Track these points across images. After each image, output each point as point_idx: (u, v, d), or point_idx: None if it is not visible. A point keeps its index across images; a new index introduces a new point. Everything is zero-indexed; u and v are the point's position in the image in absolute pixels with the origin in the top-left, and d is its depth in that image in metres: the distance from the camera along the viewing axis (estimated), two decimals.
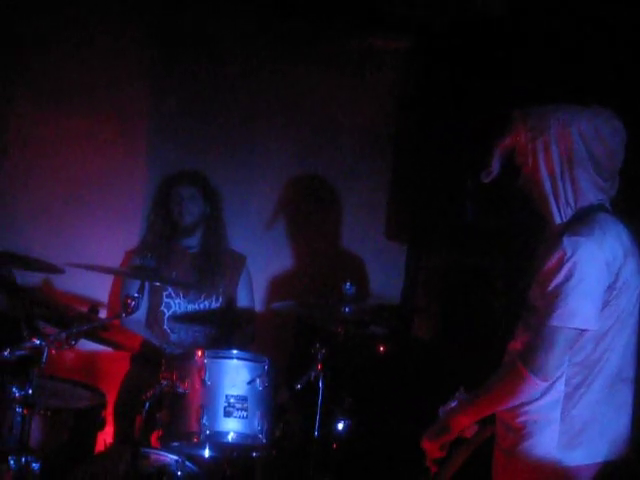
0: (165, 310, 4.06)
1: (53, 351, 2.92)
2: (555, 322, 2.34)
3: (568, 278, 2.33)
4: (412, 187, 4.44)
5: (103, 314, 3.99)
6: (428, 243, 4.49)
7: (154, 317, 4.06)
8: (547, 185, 2.47)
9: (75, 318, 3.18)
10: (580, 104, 2.49)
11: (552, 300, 2.35)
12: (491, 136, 2.62)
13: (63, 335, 3.02)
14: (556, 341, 2.34)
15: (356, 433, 3.43)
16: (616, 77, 3.43)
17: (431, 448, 2.61)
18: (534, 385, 2.37)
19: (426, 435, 2.62)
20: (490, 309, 4.10)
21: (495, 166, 2.58)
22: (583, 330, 2.36)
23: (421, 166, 4.39)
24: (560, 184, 2.46)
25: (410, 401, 3.85)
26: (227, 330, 4.07)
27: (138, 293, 3.06)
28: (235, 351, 3.20)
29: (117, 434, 3.73)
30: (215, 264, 4.11)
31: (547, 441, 2.45)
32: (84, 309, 3.36)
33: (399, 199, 4.50)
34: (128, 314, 3.04)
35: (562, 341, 2.35)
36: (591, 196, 2.46)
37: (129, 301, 3.02)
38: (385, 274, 4.63)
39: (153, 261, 3.32)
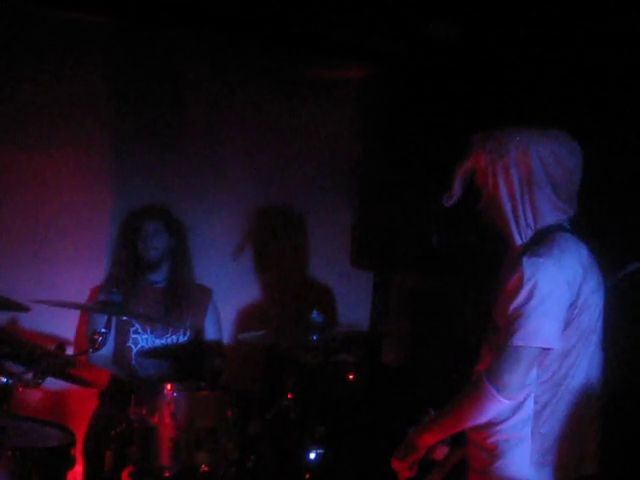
0: (132, 346, 4.03)
1: (20, 390, 2.89)
2: (518, 342, 2.37)
3: (529, 299, 2.36)
4: (376, 213, 4.48)
5: (70, 351, 3.95)
6: (394, 268, 4.52)
7: (122, 353, 4.02)
8: (507, 207, 2.52)
9: (42, 356, 3.14)
10: (538, 126, 2.54)
11: (514, 320, 2.38)
12: (453, 159, 2.66)
13: (30, 373, 2.99)
14: (520, 360, 2.37)
15: (328, 462, 3.42)
16: (573, 99, 3.50)
17: (400, 467, 2.62)
18: (499, 403, 2.40)
19: (394, 455, 2.63)
20: (457, 331, 4.12)
21: (457, 190, 2.62)
22: (546, 349, 2.40)
23: (385, 191, 4.44)
24: (520, 206, 2.51)
25: (381, 427, 3.85)
26: (196, 364, 4.05)
27: (105, 328, 3.04)
28: (204, 384, 3.19)
29: (87, 472, 3.67)
30: (182, 298, 4.09)
31: (519, 459, 2.48)
32: (51, 347, 3.32)
33: (364, 225, 4.54)
34: (95, 350, 3.02)
35: (525, 360, 2.38)
36: (550, 217, 2.51)
37: (96, 337, 3.00)
38: (353, 301, 4.65)
39: (119, 296, 3.30)
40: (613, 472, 2.57)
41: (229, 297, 4.40)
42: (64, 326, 4.16)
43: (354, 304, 4.64)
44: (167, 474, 3.02)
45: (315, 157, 4.59)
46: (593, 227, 2.68)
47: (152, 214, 4.11)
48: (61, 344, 3.21)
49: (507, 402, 2.40)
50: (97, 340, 3.00)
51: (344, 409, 4.00)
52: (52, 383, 3.79)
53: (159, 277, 4.12)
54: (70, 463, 3.37)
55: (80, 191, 4.31)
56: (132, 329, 4.03)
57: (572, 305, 2.42)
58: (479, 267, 3.74)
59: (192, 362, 4.06)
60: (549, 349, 2.40)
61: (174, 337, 4.08)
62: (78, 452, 3.55)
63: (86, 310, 3.66)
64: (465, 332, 3.99)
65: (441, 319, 4.28)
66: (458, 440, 2.65)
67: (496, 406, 2.41)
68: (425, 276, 4.38)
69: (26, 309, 3.17)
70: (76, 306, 3.43)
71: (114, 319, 3.89)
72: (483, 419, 2.46)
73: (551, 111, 3.45)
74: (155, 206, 4.18)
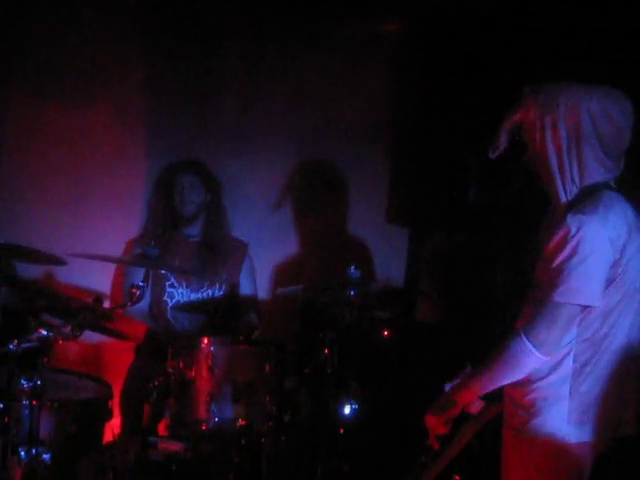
0: (168, 300, 4.05)
1: (59, 343, 2.91)
2: (558, 298, 2.34)
3: (572, 255, 2.33)
4: (413, 169, 4.44)
5: (107, 305, 3.98)
6: (430, 225, 4.48)
7: (157, 307, 4.05)
8: (553, 162, 2.47)
9: (79, 309, 3.16)
10: (589, 84, 2.48)
11: (556, 276, 2.35)
12: (492, 114, 2.61)
13: (68, 326, 3.01)
14: (559, 317, 2.35)
15: (362, 417, 3.43)
16: (618, 61, 3.41)
17: (435, 423, 2.60)
18: (536, 359, 2.38)
19: (430, 410, 2.61)
20: (493, 289, 4.09)
21: (503, 142, 2.58)
22: (586, 307, 2.37)
23: (422, 148, 4.38)
24: (566, 161, 2.46)
25: (415, 384, 3.85)
26: (231, 318, 4.06)
27: (143, 282, 3.05)
28: (241, 338, 3.20)
29: (124, 424, 3.72)
30: (217, 252, 4.10)
31: (556, 418, 2.45)
32: (88, 300, 3.34)
33: (400, 182, 4.50)
34: (133, 303, 3.03)
35: (565, 317, 2.36)
36: (596, 174, 2.46)
37: (134, 290, 3.01)
38: (389, 258, 4.63)
39: (156, 249, 3.30)
40: None
41: (265, 252, 4.41)
42: (101, 280, 4.22)
43: (390, 260, 4.62)
44: (204, 427, 3.05)
45: (352, 113, 4.53)
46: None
47: (188, 168, 4.11)
48: (98, 297, 3.23)
49: (544, 358, 2.37)
50: (135, 293, 3.00)
51: (378, 365, 4.00)
52: (89, 336, 3.83)
53: (195, 231, 4.13)
54: (107, 415, 3.43)
55: (117, 147, 4.33)
56: (168, 283, 4.04)
57: (615, 264, 2.38)
58: (515, 226, 3.71)
59: (227, 316, 4.06)
60: (590, 307, 2.37)
61: (209, 291, 4.09)
62: (115, 405, 3.62)
63: (123, 263, 3.68)
64: (499, 290, 3.96)
65: (476, 276, 4.25)
66: (494, 395, 2.63)
67: (533, 362, 2.38)
68: (461, 233, 4.34)
69: (63, 262, 3.18)
70: (113, 259, 3.45)
71: (151, 273, 3.92)
72: (520, 375, 2.44)
73: (597, 70, 3.37)
74: (191, 160, 4.18)
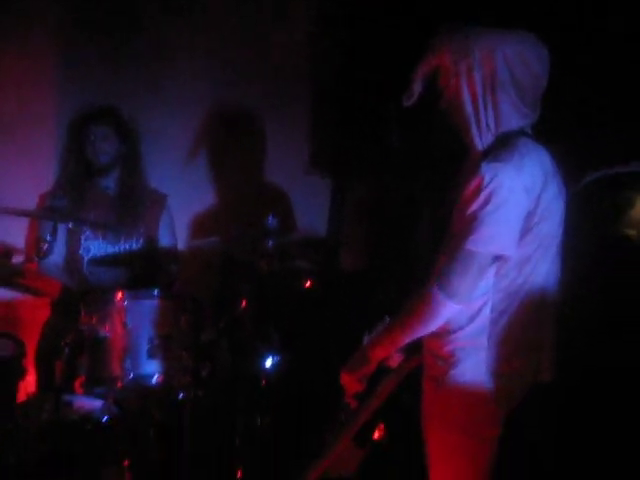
0: (84, 254, 3.93)
1: None
2: (470, 246, 2.31)
3: (486, 203, 2.30)
4: (334, 115, 4.36)
5: (19, 260, 3.85)
6: (352, 172, 4.43)
7: (73, 261, 3.93)
8: (468, 109, 2.43)
9: None
10: (506, 28, 2.43)
11: (469, 225, 2.32)
12: (414, 59, 2.55)
13: None
14: (471, 265, 2.32)
15: (284, 369, 3.40)
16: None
17: (349, 381, 2.57)
18: (449, 309, 2.35)
19: (344, 368, 2.57)
20: (416, 238, 4.07)
21: (417, 88, 2.52)
22: (499, 256, 2.35)
23: (343, 92, 4.30)
24: (482, 108, 2.42)
25: (338, 334, 3.82)
26: (149, 271, 3.97)
27: (50, 236, 2.93)
28: (156, 291, 3.11)
29: (39, 383, 3.63)
30: (134, 204, 3.98)
31: (476, 367, 2.44)
32: None
33: (321, 128, 4.42)
34: (41, 258, 2.93)
35: (476, 265, 2.33)
36: (512, 121, 2.43)
37: (41, 244, 2.90)
38: (311, 207, 4.56)
39: (64, 201, 3.19)
40: (570, 379, 2.56)
41: (184, 203, 4.29)
42: (13, 234, 4.06)
43: (312, 210, 4.56)
44: (119, 384, 2.97)
45: (273, 59, 4.42)
46: (556, 132, 2.61)
47: (100, 117, 3.95)
48: (7, 252, 3.13)
49: (457, 307, 2.35)
50: (42, 248, 2.90)
51: (301, 316, 3.97)
52: (3, 292, 3.73)
53: (110, 183, 4.00)
54: (20, 373, 3.34)
55: (26, 95, 4.16)
56: (83, 236, 3.92)
57: (531, 213, 2.36)
58: (439, 172, 3.67)
59: (146, 269, 3.97)
60: (501, 256, 2.35)
61: (127, 244, 3.98)
62: (30, 362, 3.52)
63: (28, 216, 3.53)
64: (424, 239, 3.95)
65: (400, 225, 4.22)
66: (413, 348, 2.61)
67: (447, 312, 2.36)
68: (383, 181, 4.30)
69: None
70: (19, 212, 3.31)
71: (64, 226, 3.80)
72: (434, 326, 2.42)
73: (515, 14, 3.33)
74: (104, 108, 4.00)
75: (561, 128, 2.84)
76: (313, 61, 4.47)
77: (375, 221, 4.42)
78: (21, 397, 3.37)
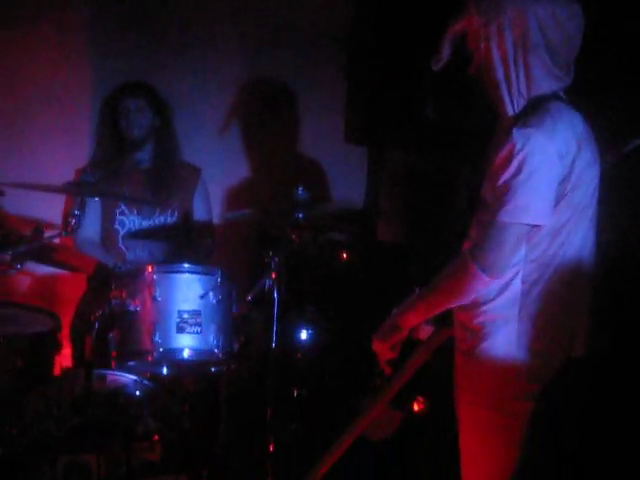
0: (119, 228, 3.95)
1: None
2: (505, 218, 2.23)
3: (518, 172, 2.21)
4: (370, 86, 4.30)
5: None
6: (389, 143, 4.36)
7: (108, 236, 3.95)
8: (499, 72, 2.34)
9: (18, 240, 3.06)
10: None
11: (501, 195, 2.24)
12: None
13: (6, 257, 2.92)
14: (506, 237, 2.24)
15: (319, 342, 3.37)
16: None
17: (382, 349, 2.53)
18: (483, 282, 2.28)
19: (375, 335, 2.53)
20: (456, 209, 4.01)
21: (445, 52, 2.44)
22: (534, 226, 2.26)
23: (379, 64, 4.24)
24: (513, 71, 2.33)
25: (376, 305, 3.78)
26: (185, 245, 3.98)
27: (79, 210, 2.93)
28: (186, 265, 3.10)
29: (74, 357, 3.67)
30: (168, 178, 3.98)
31: (506, 340, 2.37)
32: (27, 231, 3.24)
33: (357, 99, 4.36)
34: (69, 232, 2.92)
35: (512, 237, 2.24)
36: (545, 85, 2.33)
37: (69, 219, 2.90)
38: (348, 179, 4.53)
39: (93, 176, 3.19)
40: (605, 353, 2.48)
41: (219, 176, 4.31)
42: (51, 211, 4.09)
43: (349, 181, 4.53)
44: (150, 358, 2.97)
45: (306, 29, 4.39)
46: (593, 96, 2.52)
47: (134, 90, 3.95)
48: (38, 228, 3.13)
49: (492, 281, 2.28)
50: (70, 222, 2.89)
51: (338, 288, 3.93)
52: (41, 269, 3.77)
53: (144, 157, 4.00)
54: (56, 347, 3.38)
55: (60, 72, 4.18)
56: (118, 210, 3.94)
57: (564, 180, 2.27)
58: (476, 143, 3.59)
59: (182, 243, 3.98)
60: (537, 226, 2.27)
61: (162, 218, 3.98)
62: (65, 336, 3.55)
63: (57, 192, 3.54)
64: (462, 209, 3.88)
65: (438, 196, 4.16)
66: (444, 320, 2.56)
67: (480, 285, 2.29)
68: (420, 152, 4.23)
69: (1, 193, 3.05)
70: (47, 188, 3.32)
71: (99, 202, 3.81)
72: (467, 298, 2.36)
73: None
74: (137, 82, 4.01)
75: (597, 91, 2.74)
76: (350, 29, 4.40)
77: (412, 192, 4.36)
78: (57, 371, 3.42)
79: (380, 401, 2.69)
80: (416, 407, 3.59)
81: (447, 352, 2.64)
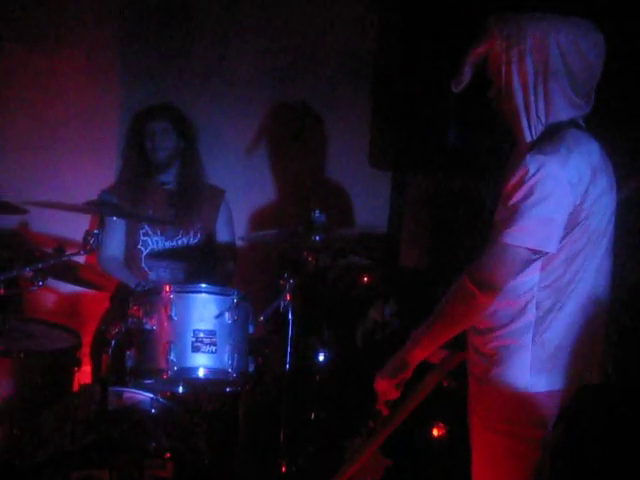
0: (142, 248, 3.99)
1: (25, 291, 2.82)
2: (507, 240, 2.23)
3: (527, 196, 2.21)
4: (394, 112, 4.29)
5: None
6: (413, 168, 4.36)
7: (131, 256, 4.00)
8: (519, 97, 2.34)
9: (40, 257, 3.11)
10: (559, 14, 2.34)
11: (509, 217, 2.24)
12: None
13: (28, 273, 2.96)
14: (505, 259, 2.24)
15: (336, 365, 3.37)
16: None
17: (386, 388, 2.49)
18: (480, 301, 2.27)
19: (380, 374, 2.49)
20: (478, 234, 3.99)
21: (466, 75, 2.44)
22: (538, 251, 2.26)
23: (403, 90, 4.24)
24: (532, 97, 2.33)
25: (394, 332, 3.78)
26: (207, 266, 4.00)
27: (98, 229, 2.97)
28: (203, 285, 3.12)
29: (93, 374, 3.70)
30: (192, 199, 4.02)
31: (519, 366, 2.36)
32: (49, 249, 3.29)
33: (381, 125, 4.36)
34: (88, 251, 2.96)
35: (511, 259, 2.24)
36: (563, 112, 2.33)
37: (89, 238, 2.94)
38: (371, 203, 4.53)
39: (113, 197, 3.24)
40: (618, 381, 2.46)
41: (243, 198, 4.34)
42: (75, 229, 4.14)
43: (373, 206, 4.53)
44: (165, 377, 2.98)
45: (331, 55, 4.41)
46: (612, 125, 2.51)
47: (160, 113, 4.00)
48: (60, 246, 3.17)
49: (489, 299, 2.26)
50: (89, 241, 2.93)
51: (357, 311, 3.93)
52: (65, 287, 3.82)
53: (169, 178, 4.04)
54: (76, 364, 3.41)
55: (88, 92, 4.25)
56: (142, 231, 3.98)
57: (577, 208, 2.26)
58: (498, 167, 3.59)
59: (204, 265, 4.01)
60: (540, 252, 2.26)
61: (185, 239, 4.02)
62: (85, 354, 3.59)
63: (78, 211, 3.59)
64: (485, 233, 3.85)
65: (460, 221, 4.14)
66: (458, 343, 2.54)
67: (480, 304, 2.28)
68: (444, 176, 4.22)
69: (23, 211, 3.11)
70: (68, 207, 3.37)
71: (125, 222, 3.86)
72: (470, 321, 2.36)
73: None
74: (162, 104, 4.07)
75: (616, 120, 2.73)
76: (374, 55, 4.43)
77: (435, 217, 4.35)
78: (75, 387, 3.45)
79: (372, 445, 2.64)
80: (436, 432, 3.57)
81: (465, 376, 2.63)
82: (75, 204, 3.30)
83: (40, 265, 2.95)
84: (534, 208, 2.21)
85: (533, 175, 2.21)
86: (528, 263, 2.28)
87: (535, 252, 2.25)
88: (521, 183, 2.23)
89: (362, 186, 4.49)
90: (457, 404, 2.77)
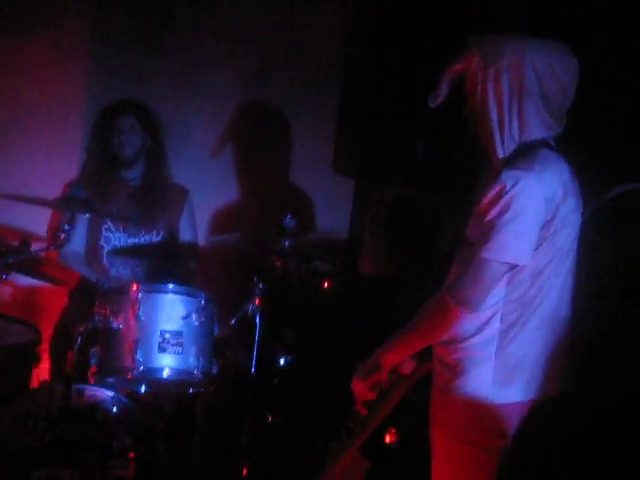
0: (104, 244, 3.97)
1: None
2: (486, 254, 2.29)
3: (504, 211, 2.27)
4: (361, 120, 4.33)
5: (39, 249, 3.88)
6: (376, 177, 4.40)
7: (93, 251, 3.97)
8: (493, 115, 2.40)
9: (5, 251, 3.08)
10: (537, 37, 2.41)
11: (486, 232, 2.30)
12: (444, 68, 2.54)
13: None
14: (484, 274, 2.30)
15: (297, 369, 3.39)
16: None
17: (361, 389, 2.54)
18: (459, 316, 2.33)
19: (355, 375, 2.55)
20: (436, 246, 4.05)
21: (443, 90, 2.49)
22: (514, 265, 2.32)
23: (371, 99, 4.28)
24: (506, 116, 2.39)
25: (353, 337, 3.81)
26: (168, 265, 3.99)
27: (68, 225, 2.94)
28: (171, 285, 3.12)
29: (52, 371, 3.66)
30: (156, 197, 4.00)
31: (481, 378, 2.42)
32: (15, 242, 3.25)
33: (348, 132, 4.39)
34: (58, 246, 2.94)
35: (490, 274, 2.30)
36: (537, 131, 2.40)
37: (59, 233, 2.92)
38: (333, 209, 4.56)
39: (84, 191, 3.22)
40: (580, 393, 2.52)
41: (207, 198, 4.33)
42: (39, 223, 4.10)
43: (334, 212, 4.55)
44: (129, 376, 2.98)
45: (302, 59, 4.43)
46: (580, 143, 2.58)
47: (127, 109, 3.97)
48: (25, 240, 3.15)
49: (466, 315, 2.32)
50: (60, 237, 2.91)
51: (317, 317, 3.96)
52: (24, 280, 3.77)
53: (134, 174, 4.02)
54: (34, 360, 3.38)
55: (55, 84, 4.20)
56: (104, 227, 3.96)
57: (547, 224, 2.33)
58: (463, 184, 3.65)
59: (165, 263, 4.00)
60: (516, 266, 2.33)
61: (147, 237, 4.00)
62: (44, 350, 3.55)
63: (47, 206, 3.56)
64: (444, 247, 3.92)
65: (420, 233, 4.20)
66: (426, 355, 2.59)
67: (456, 319, 2.34)
68: (407, 188, 4.27)
69: None
70: (38, 201, 3.33)
71: (86, 217, 3.83)
72: (445, 333, 2.41)
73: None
74: (130, 100, 4.03)
75: (585, 139, 2.80)
76: (344, 59, 4.45)
77: (396, 227, 4.40)
78: (34, 384, 3.41)
79: (351, 447, 2.69)
80: (388, 438, 3.61)
81: (424, 384, 2.68)
82: (47, 199, 3.26)
83: (10, 260, 2.91)
84: (511, 223, 2.27)
85: (509, 190, 2.27)
86: (501, 277, 2.33)
87: (512, 266, 2.31)
88: (497, 198, 2.28)
89: (326, 191, 4.52)
90: (414, 413, 2.83)
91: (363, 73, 4.31)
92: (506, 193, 2.27)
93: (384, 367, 2.51)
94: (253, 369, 3.16)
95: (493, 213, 2.29)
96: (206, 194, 4.30)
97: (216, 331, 3.18)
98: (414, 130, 3.96)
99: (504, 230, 2.27)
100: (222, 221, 4.42)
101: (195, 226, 4.14)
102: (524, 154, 2.37)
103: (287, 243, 3.24)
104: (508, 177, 2.29)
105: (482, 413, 2.42)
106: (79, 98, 4.24)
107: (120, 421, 3.00)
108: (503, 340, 2.40)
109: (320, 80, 4.45)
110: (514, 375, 2.41)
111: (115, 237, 3.97)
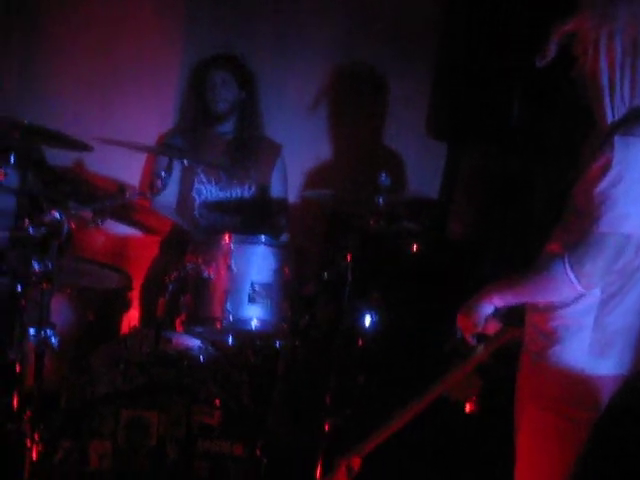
0: (196, 196, 4.00)
1: (74, 226, 2.82)
2: (604, 228, 2.20)
3: (618, 181, 2.19)
4: (456, 84, 4.25)
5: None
6: (469, 142, 4.32)
7: (184, 203, 4.00)
8: (604, 77, 2.31)
9: (102, 196, 3.12)
10: None
11: (600, 204, 2.21)
12: (542, 31, 2.45)
13: (88, 212, 2.96)
14: (605, 248, 2.22)
15: (382, 329, 3.38)
16: None
17: (466, 324, 2.50)
18: (574, 290, 2.27)
19: (460, 311, 2.52)
20: (528, 213, 3.96)
21: (552, 50, 2.40)
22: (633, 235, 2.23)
23: (467, 62, 4.19)
24: (618, 77, 2.29)
25: (439, 302, 3.77)
26: (258, 219, 4.01)
27: (165, 172, 2.96)
28: (263, 237, 3.13)
29: (142, 317, 3.72)
30: (249, 151, 4.02)
31: (577, 347, 2.36)
32: (112, 189, 3.29)
33: (442, 95, 4.30)
34: (154, 194, 2.96)
35: (612, 248, 2.22)
36: None
37: (155, 180, 2.94)
38: (424, 172, 4.50)
39: (179, 140, 3.23)
40: None
41: (299, 155, 4.30)
42: (131, 171, 4.16)
43: (425, 174, 4.49)
44: (218, 325, 3.00)
45: (397, 19, 4.34)
46: None
47: (221, 63, 3.98)
48: (122, 187, 3.17)
49: (583, 291, 2.27)
50: (156, 184, 2.93)
51: (404, 278, 3.92)
52: (116, 228, 3.84)
53: (227, 128, 4.03)
54: (126, 306, 3.44)
55: (152, 37, 4.23)
56: (196, 179, 3.98)
57: None
58: (558, 149, 3.56)
59: (255, 217, 4.01)
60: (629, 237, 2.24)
61: (238, 191, 4.02)
62: (135, 297, 3.61)
63: (147, 151, 3.59)
64: (536, 214, 3.84)
65: (513, 198, 4.11)
66: (513, 318, 2.54)
67: (570, 292, 2.28)
68: (500, 153, 4.18)
69: (90, 149, 3.10)
70: (138, 147, 3.37)
71: (180, 168, 3.85)
72: (552, 299, 2.35)
73: None
74: (225, 55, 4.04)
75: None
76: (440, 17, 4.35)
77: (488, 192, 4.32)
78: (124, 330, 3.48)
79: (463, 366, 2.65)
80: (468, 407, 3.57)
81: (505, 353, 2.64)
82: (148, 145, 3.27)
83: (107, 204, 2.95)
84: (627, 193, 2.18)
85: (621, 158, 2.19)
86: (625, 249, 2.25)
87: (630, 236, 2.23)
88: (608, 167, 2.20)
89: (417, 152, 4.45)
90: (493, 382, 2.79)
91: (458, 37, 4.22)
92: (619, 161, 2.19)
93: (488, 304, 2.45)
94: (339, 326, 3.15)
95: (605, 183, 2.20)
96: (298, 151, 4.28)
97: (305, 286, 3.17)
98: (510, 94, 3.87)
99: (620, 201, 2.19)
100: (313, 178, 4.40)
101: (286, 182, 4.14)
102: (635, 118, 2.27)
103: (381, 200, 3.20)
104: (620, 143, 2.20)
105: (575, 383, 2.36)
106: (175, 51, 4.26)
107: (207, 370, 3.02)
108: (602, 310, 2.33)
109: (415, 40, 4.36)
110: (610, 347, 2.34)
111: (207, 189, 4.00)
